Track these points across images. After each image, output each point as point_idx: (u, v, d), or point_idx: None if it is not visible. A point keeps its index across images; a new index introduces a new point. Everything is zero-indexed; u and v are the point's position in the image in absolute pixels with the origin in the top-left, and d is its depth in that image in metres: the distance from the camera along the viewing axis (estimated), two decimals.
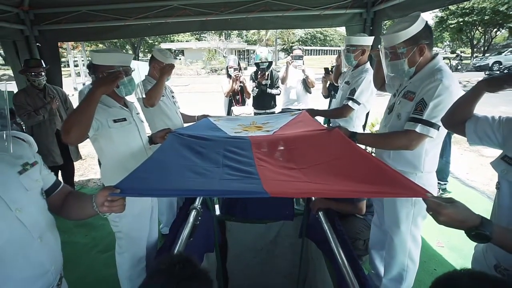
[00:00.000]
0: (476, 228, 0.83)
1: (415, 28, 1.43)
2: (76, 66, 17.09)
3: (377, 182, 1.01)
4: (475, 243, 1.07)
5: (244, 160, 1.37)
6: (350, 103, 2.37)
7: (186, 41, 32.30)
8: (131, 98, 1.87)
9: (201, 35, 31.67)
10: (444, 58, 1.62)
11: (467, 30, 25.77)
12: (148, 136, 1.91)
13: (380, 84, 1.99)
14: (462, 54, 21.81)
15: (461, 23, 24.13)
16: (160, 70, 2.26)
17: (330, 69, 3.52)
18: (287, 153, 1.48)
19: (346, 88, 2.49)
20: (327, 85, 3.68)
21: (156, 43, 28.62)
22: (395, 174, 1.05)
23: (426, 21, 1.46)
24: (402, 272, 1.78)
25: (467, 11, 23.36)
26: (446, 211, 0.84)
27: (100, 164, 4.10)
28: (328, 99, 3.83)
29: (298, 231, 2.35)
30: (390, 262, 1.80)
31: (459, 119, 1.20)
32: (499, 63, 18.31)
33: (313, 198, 2.00)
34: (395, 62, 1.55)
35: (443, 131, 1.53)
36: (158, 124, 2.40)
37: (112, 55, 1.58)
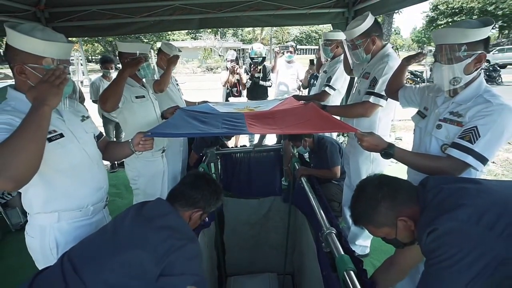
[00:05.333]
0: (384, 149, 1.28)
1: (366, 24, 1.87)
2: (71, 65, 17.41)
3: (330, 127, 1.46)
4: None
5: (238, 124, 1.79)
6: (327, 89, 2.80)
7: (182, 40, 32.52)
8: None
9: (197, 34, 31.96)
10: None
11: None
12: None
13: (349, 70, 2.44)
14: None
15: (451, 23, 24.81)
16: (168, 60, 2.66)
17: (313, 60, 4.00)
18: (272, 120, 1.90)
19: (324, 76, 2.94)
20: (309, 76, 4.15)
21: (151, 42, 28.86)
22: (343, 123, 1.50)
23: (375, 18, 1.91)
24: None
25: (456, 11, 24.08)
26: (366, 138, 1.30)
27: None
28: (307, 90, 4.29)
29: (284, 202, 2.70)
30: None
31: (394, 88, 1.66)
32: (488, 61, 18.87)
33: (297, 167, 2.42)
34: (355, 51, 2.00)
35: (392, 103, 1.98)
36: (165, 108, 2.82)
37: (134, 44, 2.02)
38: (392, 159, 1.33)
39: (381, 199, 1.02)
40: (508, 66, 19.66)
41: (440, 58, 1.23)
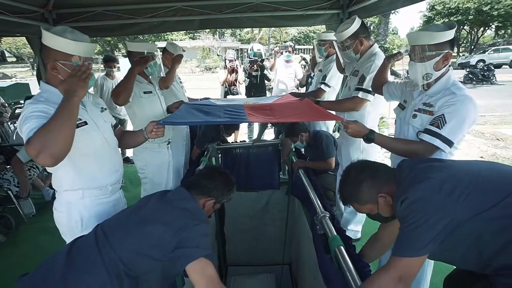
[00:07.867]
0: (366, 135, 1.47)
1: (354, 27, 2.06)
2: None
3: (320, 116, 1.65)
4: None
5: (238, 114, 1.98)
6: (322, 86, 2.98)
7: (181, 40, 32.59)
8: None
9: (195, 34, 32.05)
10: None
11: None
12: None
13: (341, 68, 2.63)
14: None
15: None
16: (172, 60, 2.82)
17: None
18: (270, 112, 2.08)
19: (319, 75, 3.12)
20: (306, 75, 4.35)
21: (150, 42, 28.84)
22: (331, 114, 1.70)
23: (362, 21, 2.10)
24: None
25: (453, 11, 24.33)
26: (350, 125, 1.49)
27: None
28: (304, 88, 4.48)
29: (285, 195, 2.87)
30: None
31: (379, 84, 1.85)
32: (483, 61, 19.07)
33: (295, 160, 2.59)
34: (345, 52, 2.19)
35: (380, 98, 2.16)
36: (170, 103, 2.99)
37: (142, 44, 2.20)
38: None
39: (363, 179, 1.19)
40: (504, 66, 19.92)
41: (414, 57, 1.42)
